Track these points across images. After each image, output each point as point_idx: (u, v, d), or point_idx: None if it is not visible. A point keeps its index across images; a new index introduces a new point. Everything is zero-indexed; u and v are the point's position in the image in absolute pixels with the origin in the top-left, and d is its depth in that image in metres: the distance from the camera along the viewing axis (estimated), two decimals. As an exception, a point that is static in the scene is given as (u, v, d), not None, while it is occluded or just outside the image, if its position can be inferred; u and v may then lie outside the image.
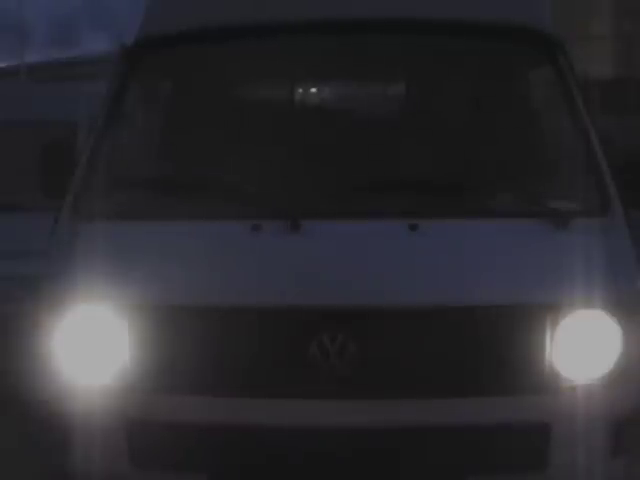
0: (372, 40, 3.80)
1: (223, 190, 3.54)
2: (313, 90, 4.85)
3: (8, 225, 5.73)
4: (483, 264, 3.25)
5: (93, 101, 4.33)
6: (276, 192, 3.43)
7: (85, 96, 6.51)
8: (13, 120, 6.50)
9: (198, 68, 4.14)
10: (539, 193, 3.47)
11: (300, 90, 4.71)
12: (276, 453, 3.19)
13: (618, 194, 3.44)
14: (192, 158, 3.82)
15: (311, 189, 3.44)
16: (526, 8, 3.85)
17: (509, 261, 3.26)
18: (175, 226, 3.36)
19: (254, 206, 3.39)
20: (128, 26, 4.00)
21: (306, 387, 3.16)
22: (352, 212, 3.32)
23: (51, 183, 3.80)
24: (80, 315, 3.26)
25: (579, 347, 3.21)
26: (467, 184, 3.59)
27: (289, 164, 3.70)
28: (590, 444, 3.22)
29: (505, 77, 4.28)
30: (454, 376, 3.18)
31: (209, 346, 3.20)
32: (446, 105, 3.98)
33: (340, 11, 3.71)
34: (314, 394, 3.16)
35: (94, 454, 3.26)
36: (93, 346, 3.27)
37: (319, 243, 3.26)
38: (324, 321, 3.16)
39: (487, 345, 3.17)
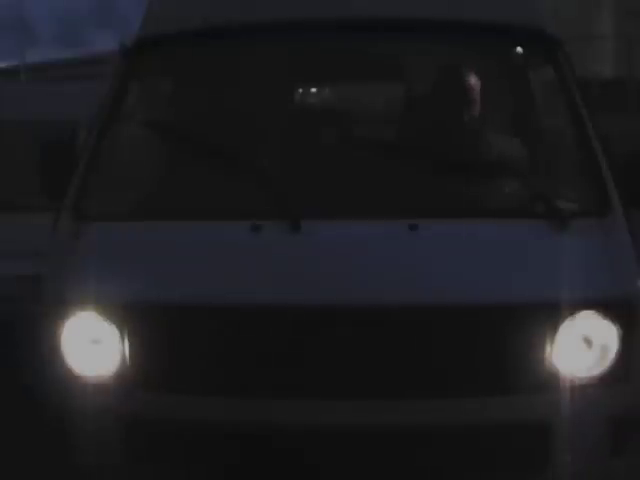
0: (372, 40, 3.80)
1: (223, 190, 3.54)
2: (313, 90, 4.86)
3: (8, 225, 5.72)
4: (483, 264, 3.25)
5: (93, 101, 4.32)
6: (276, 192, 3.43)
7: (85, 96, 6.51)
8: (13, 120, 6.49)
9: (198, 68, 4.14)
10: (539, 193, 3.47)
11: (300, 90, 4.71)
12: (274, 453, 3.19)
13: (618, 194, 3.44)
14: (192, 158, 3.82)
15: (311, 189, 3.44)
16: (526, 8, 3.86)
17: (509, 261, 3.26)
18: (175, 226, 3.36)
19: (254, 206, 3.39)
20: (134, 26, 4.00)
21: (305, 387, 3.17)
22: (352, 212, 3.32)
23: (51, 183, 3.79)
24: (80, 315, 3.27)
25: (579, 347, 3.21)
26: (467, 184, 3.58)
27: (289, 164, 3.70)
28: (590, 444, 3.22)
29: (505, 77, 4.28)
30: (454, 376, 3.18)
31: (208, 346, 3.20)
32: (446, 105, 3.98)
33: (340, 11, 3.71)
34: (313, 394, 3.16)
35: (93, 454, 3.27)
36: (92, 345, 3.28)
37: (319, 243, 3.25)
38: (324, 321, 3.16)
39: (487, 345, 3.17)
